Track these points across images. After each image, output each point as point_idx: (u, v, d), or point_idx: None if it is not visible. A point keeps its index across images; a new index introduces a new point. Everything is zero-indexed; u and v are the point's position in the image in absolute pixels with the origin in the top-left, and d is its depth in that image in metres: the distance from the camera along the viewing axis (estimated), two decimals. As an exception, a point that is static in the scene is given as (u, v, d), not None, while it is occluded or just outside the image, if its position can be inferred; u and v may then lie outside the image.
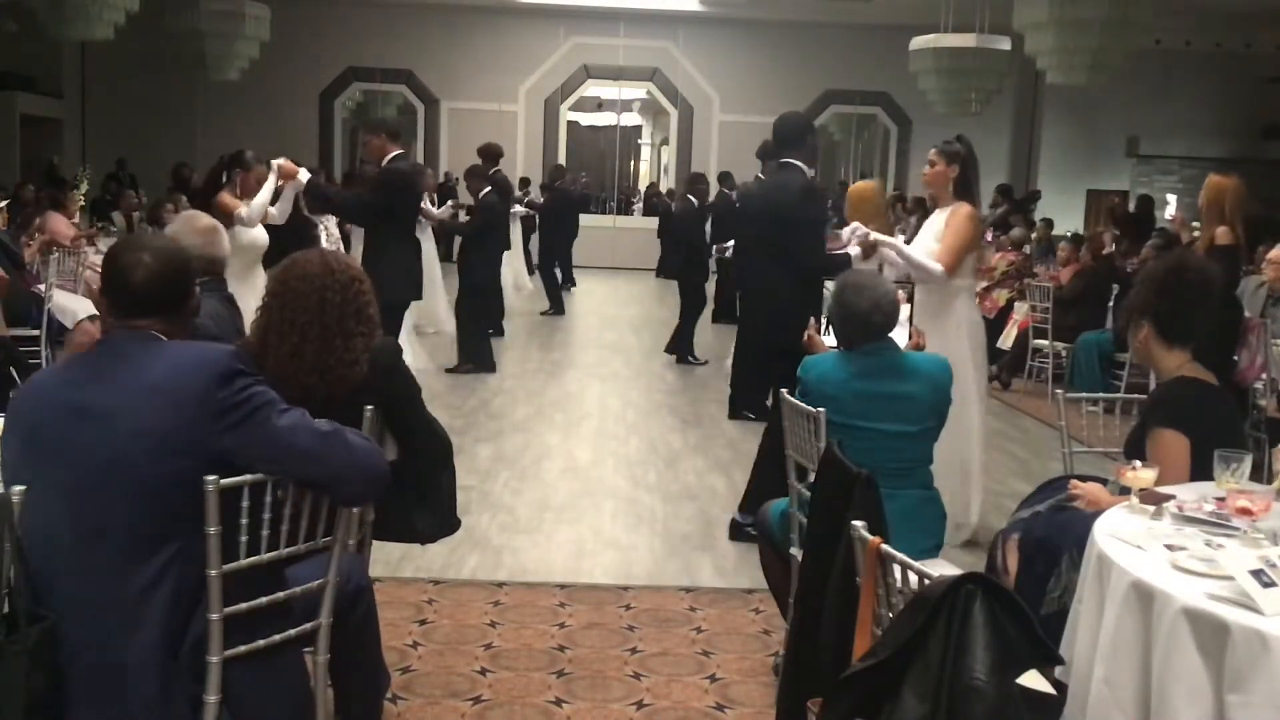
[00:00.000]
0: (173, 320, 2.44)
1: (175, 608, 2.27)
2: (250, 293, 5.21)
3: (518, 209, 13.38)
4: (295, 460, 2.36)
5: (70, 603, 2.24)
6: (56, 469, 2.27)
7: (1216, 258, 5.95)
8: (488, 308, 11.13)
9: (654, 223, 20.13)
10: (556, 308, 13.24)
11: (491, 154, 11.06)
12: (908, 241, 5.42)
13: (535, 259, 14.60)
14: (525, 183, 16.97)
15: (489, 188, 9.92)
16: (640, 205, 21.97)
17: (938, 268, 5.01)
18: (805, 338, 4.20)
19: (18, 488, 2.24)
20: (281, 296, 2.92)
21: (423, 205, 10.61)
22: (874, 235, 5.25)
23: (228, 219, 5.96)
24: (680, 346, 10.47)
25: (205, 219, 3.87)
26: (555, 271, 13.67)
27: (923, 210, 8.02)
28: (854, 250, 5.30)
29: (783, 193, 5.50)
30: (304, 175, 6.49)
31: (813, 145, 5.63)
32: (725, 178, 13.42)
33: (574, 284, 15.53)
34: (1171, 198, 18.35)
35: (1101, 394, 4.77)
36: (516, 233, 13.32)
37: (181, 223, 3.86)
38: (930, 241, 5.10)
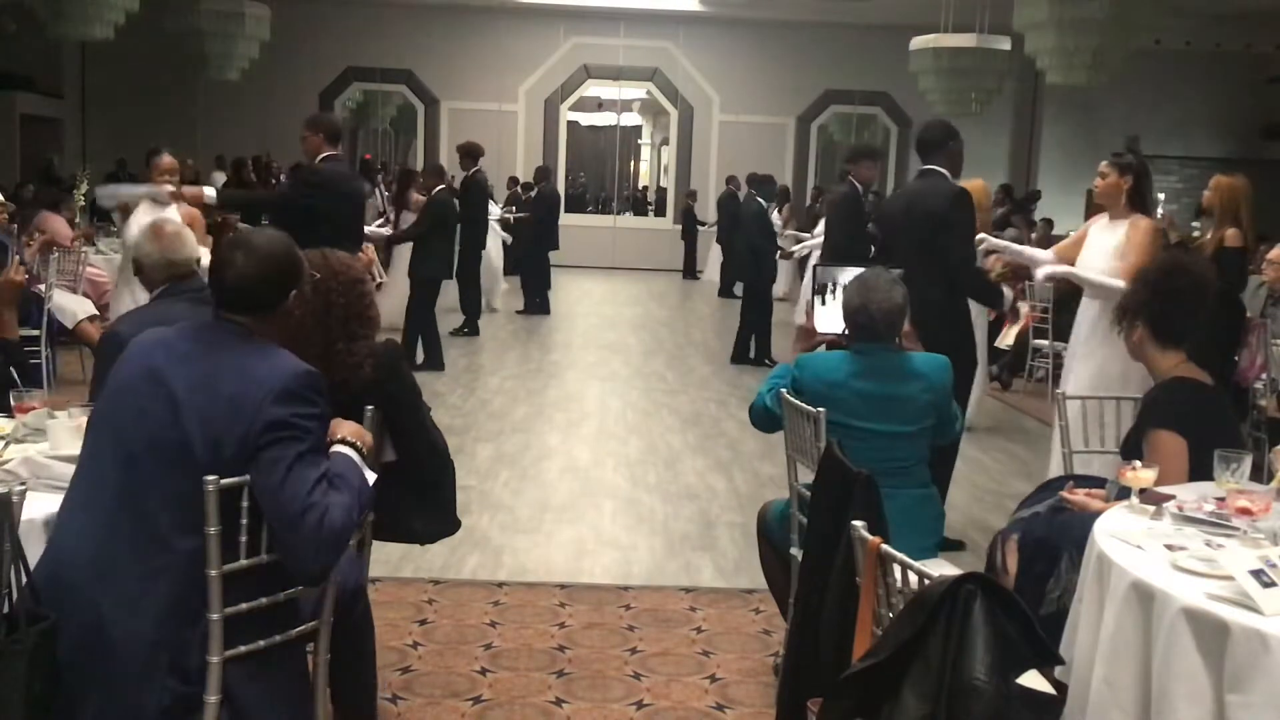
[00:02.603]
0: (264, 319, 2.48)
1: (181, 599, 2.29)
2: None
3: (494, 210, 13.31)
4: (270, 507, 2.33)
5: (83, 575, 2.28)
6: (127, 433, 2.34)
7: (1225, 259, 5.94)
8: (475, 303, 11.18)
9: (657, 223, 20.22)
10: (541, 307, 13.24)
11: (471, 153, 11.05)
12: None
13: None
14: (514, 182, 16.97)
15: (441, 185, 9.87)
16: (653, 205, 22.04)
17: (1123, 285, 4.90)
18: (797, 333, 4.18)
19: (19, 487, 2.27)
20: None
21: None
22: (1060, 270, 5.11)
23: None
24: (752, 350, 10.34)
25: (169, 225, 3.86)
26: (540, 272, 13.65)
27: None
28: (1043, 272, 5.24)
29: (933, 198, 5.17)
30: (209, 193, 6.22)
31: (955, 151, 5.30)
32: (767, 181, 13.15)
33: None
34: (1160, 196, 18.31)
35: (1102, 394, 4.76)
36: (495, 233, 13.19)
37: (145, 230, 3.85)
38: (1107, 256, 4.86)
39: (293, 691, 2.52)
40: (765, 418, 3.72)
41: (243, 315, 2.46)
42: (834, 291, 4.21)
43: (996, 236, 11.64)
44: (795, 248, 11.97)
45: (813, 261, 11.00)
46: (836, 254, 7.72)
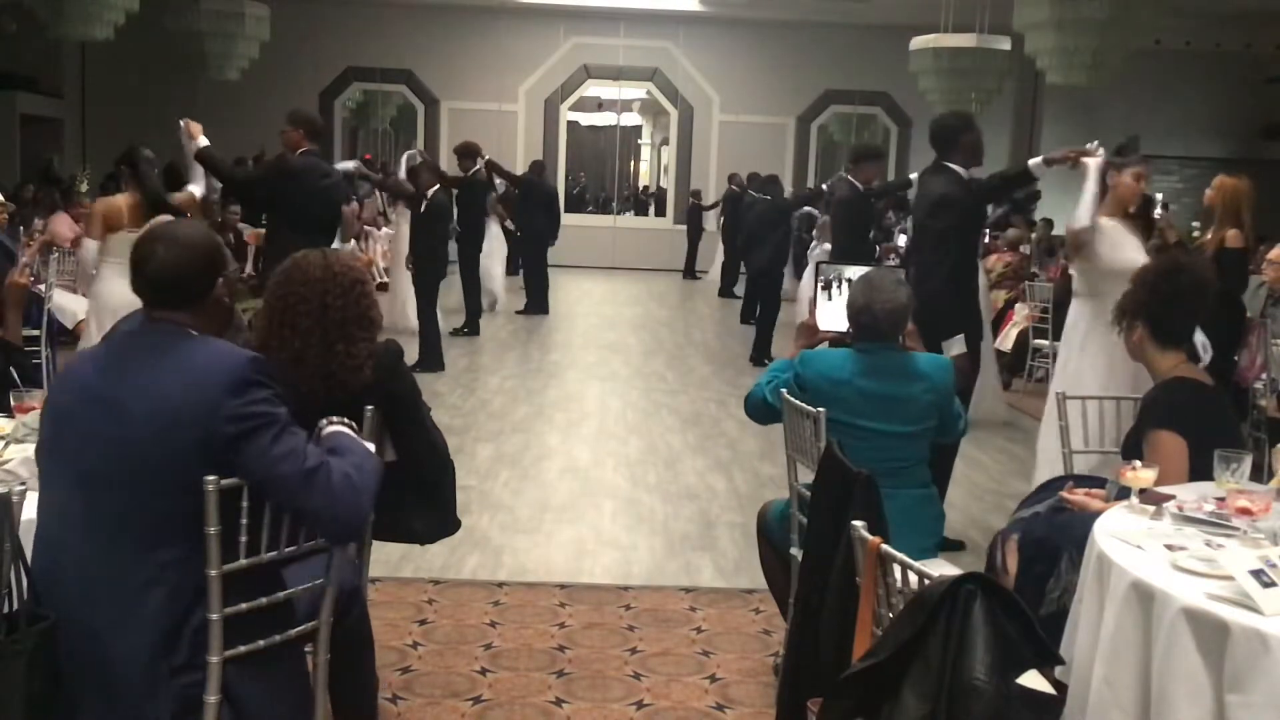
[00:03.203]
0: (196, 313, 2.44)
1: (171, 609, 2.27)
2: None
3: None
4: (276, 490, 2.32)
5: (71, 593, 2.26)
6: (78, 455, 2.30)
7: (1227, 260, 5.95)
8: (476, 303, 11.22)
9: (657, 222, 20.24)
10: (540, 307, 13.24)
11: (469, 153, 11.06)
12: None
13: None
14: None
15: (437, 185, 9.89)
16: (655, 197, 22.05)
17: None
18: (799, 330, 4.13)
19: (19, 487, 2.27)
20: (284, 299, 2.86)
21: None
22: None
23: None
24: (759, 349, 10.41)
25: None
26: (537, 270, 13.67)
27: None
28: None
29: (924, 197, 5.21)
30: (202, 141, 6.43)
31: (970, 143, 5.17)
32: (773, 181, 13.25)
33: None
34: (1158, 196, 18.33)
35: (1102, 394, 4.76)
36: (495, 231, 13.19)
37: (144, 230, 3.84)
38: (1142, 254, 4.92)
39: (293, 691, 2.52)
40: (763, 410, 3.71)
41: (173, 310, 2.41)
42: (839, 287, 4.20)
43: (997, 236, 11.65)
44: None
45: (815, 259, 11.04)
46: (841, 255, 7.74)
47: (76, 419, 2.33)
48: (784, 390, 3.58)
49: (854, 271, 4.00)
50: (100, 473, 2.27)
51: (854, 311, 3.56)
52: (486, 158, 11.72)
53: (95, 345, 2.52)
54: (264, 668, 2.40)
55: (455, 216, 10.69)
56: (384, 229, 10.97)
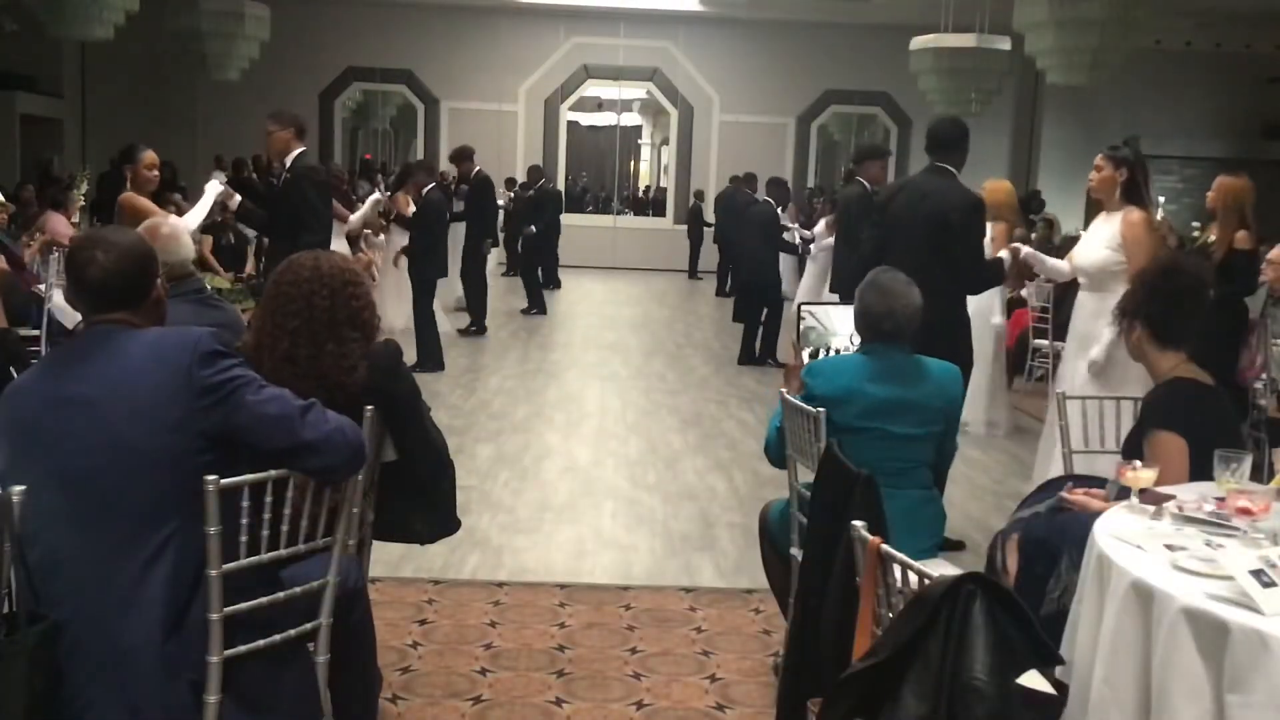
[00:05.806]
0: (139, 312, 2.47)
1: (174, 586, 2.28)
2: None
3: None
4: (278, 432, 2.37)
5: (71, 589, 2.26)
6: (51, 460, 2.30)
7: (1238, 262, 5.93)
8: (481, 303, 11.24)
9: (658, 222, 20.26)
10: (539, 307, 13.26)
11: (464, 155, 11.09)
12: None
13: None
14: (511, 184, 16.99)
15: (432, 184, 9.87)
16: (653, 204, 22.11)
17: (1066, 267, 5.26)
18: (786, 373, 4.10)
19: (18, 488, 2.26)
20: (274, 300, 2.89)
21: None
22: (1025, 250, 5.25)
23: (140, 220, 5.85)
24: (762, 350, 10.37)
25: (165, 226, 3.89)
26: (538, 271, 13.73)
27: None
28: (1004, 254, 5.24)
29: (949, 200, 4.95)
30: (235, 201, 6.60)
31: (966, 150, 5.20)
32: (749, 179, 13.70)
33: (558, 285, 15.60)
34: (1160, 199, 18.33)
35: (1102, 394, 4.75)
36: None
37: (141, 231, 3.87)
38: (1101, 246, 4.93)
39: (293, 692, 2.53)
40: (784, 449, 3.65)
41: (120, 310, 2.43)
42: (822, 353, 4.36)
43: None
44: (811, 244, 11.96)
45: (818, 265, 11.06)
46: (853, 252, 7.71)
47: (42, 427, 2.33)
48: (783, 392, 3.58)
49: (840, 342, 4.31)
50: (81, 469, 2.28)
51: (875, 317, 3.52)
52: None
53: (36, 366, 2.52)
54: (264, 668, 2.40)
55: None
56: (380, 235, 10.94)
